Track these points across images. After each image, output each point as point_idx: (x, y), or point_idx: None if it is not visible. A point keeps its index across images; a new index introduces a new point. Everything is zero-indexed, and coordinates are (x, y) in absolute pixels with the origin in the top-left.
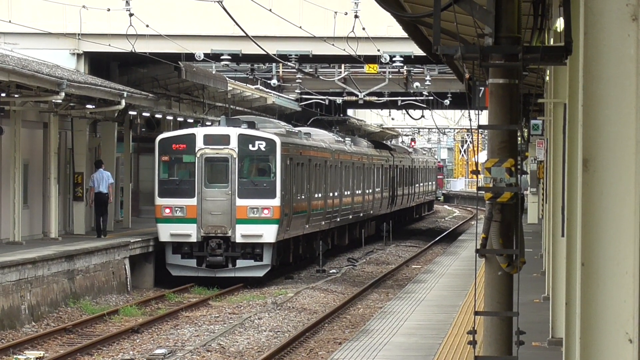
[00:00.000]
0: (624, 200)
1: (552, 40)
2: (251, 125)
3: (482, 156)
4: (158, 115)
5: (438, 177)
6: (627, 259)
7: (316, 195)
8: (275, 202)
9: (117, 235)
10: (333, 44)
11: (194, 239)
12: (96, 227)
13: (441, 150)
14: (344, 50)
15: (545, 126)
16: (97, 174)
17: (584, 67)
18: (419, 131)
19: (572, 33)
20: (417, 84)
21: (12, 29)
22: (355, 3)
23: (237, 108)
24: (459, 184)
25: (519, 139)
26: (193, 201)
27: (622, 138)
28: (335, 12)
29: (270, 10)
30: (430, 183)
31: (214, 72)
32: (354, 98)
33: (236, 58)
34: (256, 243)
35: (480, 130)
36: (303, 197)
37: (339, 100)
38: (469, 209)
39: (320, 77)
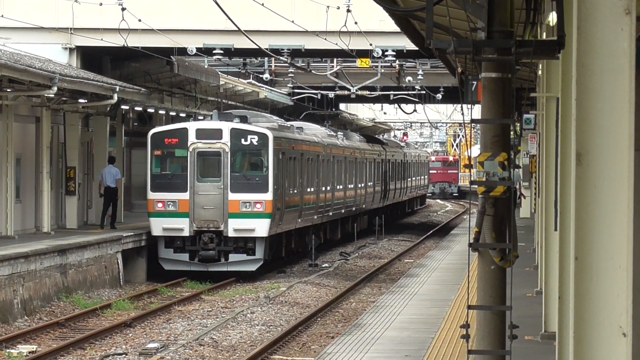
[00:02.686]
0: (618, 194)
1: (544, 34)
2: (243, 119)
3: (475, 150)
4: (150, 110)
5: (453, 171)
6: (620, 253)
7: (308, 190)
8: (268, 196)
9: (109, 230)
10: (325, 38)
11: (186, 233)
12: (101, 218)
13: (433, 145)
14: (336, 44)
15: (537, 120)
16: (106, 169)
17: (577, 61)
18: (411, 125)
19: (565, 27)
20: (409, 78)
21: (4, 23)
22: None
23: (230, 102)
24: None
25: (512, 133)
26: (185, 195)
27: (615, 132)
28: (328, 7)
29: (262, 4)
30: (422, 177)
31: (206, 67)
32: (346, 92)
33: (228, 52)
34: (248, 237)
35: (472, 124)
36: (295, 191)
37: (331, 94)
38: (462, 202)
39: (313, 71)
